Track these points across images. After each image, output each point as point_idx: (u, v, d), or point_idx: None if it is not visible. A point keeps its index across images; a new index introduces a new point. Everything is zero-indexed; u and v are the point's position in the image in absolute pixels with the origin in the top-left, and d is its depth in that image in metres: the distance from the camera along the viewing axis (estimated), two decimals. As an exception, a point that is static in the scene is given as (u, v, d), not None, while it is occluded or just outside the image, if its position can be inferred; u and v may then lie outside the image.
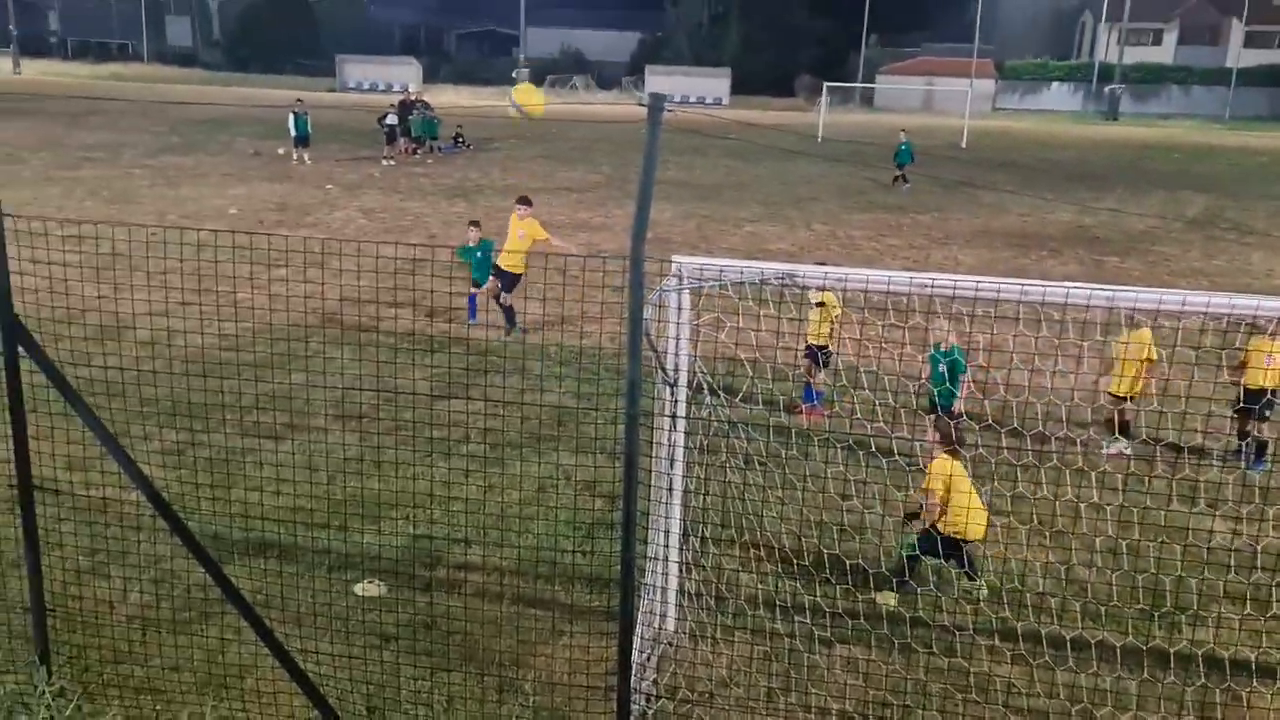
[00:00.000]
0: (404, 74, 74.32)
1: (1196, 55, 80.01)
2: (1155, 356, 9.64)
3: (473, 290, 13.81)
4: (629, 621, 4.98)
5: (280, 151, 32.31)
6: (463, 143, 37.58)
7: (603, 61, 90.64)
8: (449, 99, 49.49)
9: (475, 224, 14.31)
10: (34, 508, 5.15)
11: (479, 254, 13.57)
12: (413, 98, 38.81)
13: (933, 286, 5.74)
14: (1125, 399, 9.83)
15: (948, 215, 25.89)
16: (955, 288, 5.69)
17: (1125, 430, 9.90)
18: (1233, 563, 6.80)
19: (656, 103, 3.75)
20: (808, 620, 6.39)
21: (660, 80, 76.65)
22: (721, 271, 6.08)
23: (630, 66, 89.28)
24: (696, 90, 76.54)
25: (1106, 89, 75.07)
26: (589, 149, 38.76)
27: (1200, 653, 6.01)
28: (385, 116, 34.20)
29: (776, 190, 30.01)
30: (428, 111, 36.63)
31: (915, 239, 22.58)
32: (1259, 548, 7.38)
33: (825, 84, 53.86)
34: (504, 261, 13.20)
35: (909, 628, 6.41)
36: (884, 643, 6.31)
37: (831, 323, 10.56)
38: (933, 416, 7.45)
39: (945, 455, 7.10)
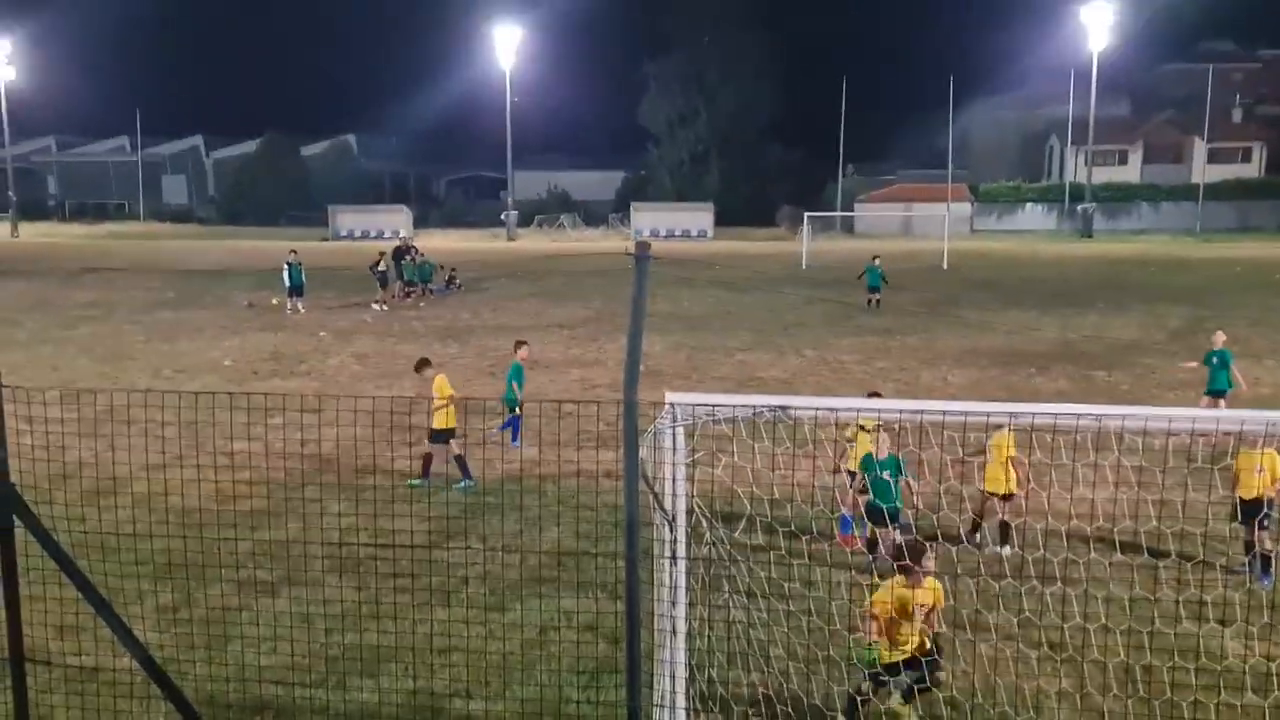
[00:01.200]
0: (394, 221, 76.14)
1: (1162, 173, 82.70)
2: (1013, 452, 10.19)
3: (513, 414, 14.23)
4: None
5: (274, 301, 32.79)
6: (455, 284, 38.25)
7: (589, 201, 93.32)
8: (438, 243, 50.61)
9: (523, 344, 15.03)
10: (25, 681, 5.05)
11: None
12: (406, 244, 39.72)
13: (923, 413, 5.82)
14: (999, 496, 10.38)
15: (934, 336, 26.25)
16: (945, 414, 5.77)
17: (1005, 532, 10.47)
18: (1248, 683, 6.66)
19: (642, 252, 3.88)
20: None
21: (645, 216, 78.79)
22: (714, 409, 6.15)
23: (616, 204, 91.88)
24: (681, 224, 78.52)
25: (1079, 208, 77.21)
26: (579, 285, 39.47)
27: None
28: (377, 264, 34.87)
29: (765, 318, 30.46)
30: (419, 257, 37.41)
31: (904, 361, 22.82)
32: (1274, 666, 7.24)
33: (806, 214, 55.39)
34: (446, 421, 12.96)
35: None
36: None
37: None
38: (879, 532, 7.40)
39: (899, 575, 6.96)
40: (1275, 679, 6.94)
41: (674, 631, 6.21)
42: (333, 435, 10.29)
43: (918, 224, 73.95)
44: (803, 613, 7.47)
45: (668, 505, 6.13)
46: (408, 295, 35.32)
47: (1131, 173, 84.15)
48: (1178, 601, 7.23)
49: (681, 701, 6.26)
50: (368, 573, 9.69)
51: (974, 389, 19.43)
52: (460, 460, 12.97)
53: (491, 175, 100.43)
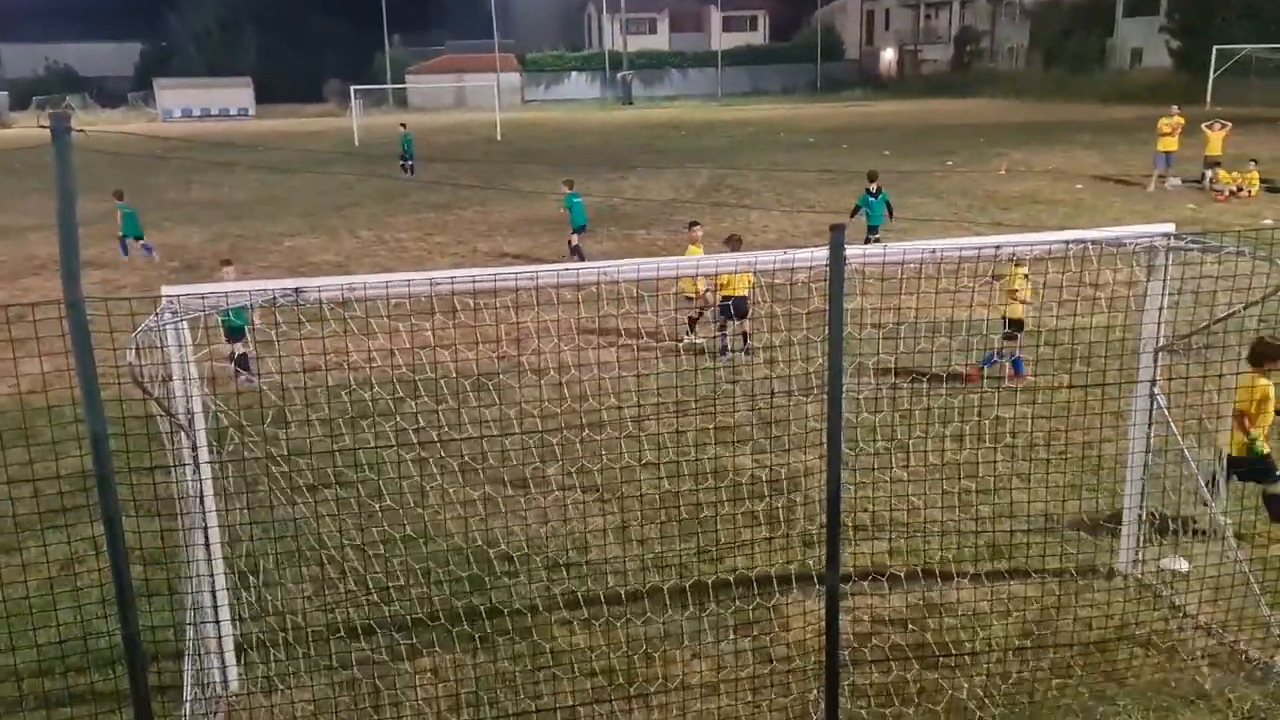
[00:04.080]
0: None
1: (688, 41, 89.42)
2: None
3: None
4: (144, 701, 4.48)
5: None
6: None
7: (102, 77, 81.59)
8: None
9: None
10: None
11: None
12: None
13: (452, 283, 5.80)
14: (692, 296, 12.89)
15: (490, 208, 26.58)
16: (468, 281, 5.81)
17: (693, 325, 13.07)
18: (766, 492, 7.67)
19: (59, 124, 3.29)
20: (385, 639, 6.22)
21: (172, 94, 70.91)
22: (227, 296, 5.66)
23: (136, 81, 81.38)
24: (217, 102, 71.78)
25: (619, 76, 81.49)
26: (98, 175, 34.64)
27: (733, 577, 6.72)
28: None
29: (315, 201, 28.93)
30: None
31: (461, 234, 22.91)
32: (770, 474, 8.41)
33: (353, 87, 53.00)
34: None
35: (487, 621, 6.48)
36: (465, 642, 6.32)
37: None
38: None
39: None
40: (773, 485, 8.07)
41: (206, 544, 5.79)
42: None
43: (471, 95, 73.79)
44: (353, 499, 7.33)
45: (180, 410, 5.61)
46: None
47: (661, 41, 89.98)
48: (696, 429, 8.05)
49: (226, 614, 5.91)
50: None
51: (528, 255, 20.05)
52: None
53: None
